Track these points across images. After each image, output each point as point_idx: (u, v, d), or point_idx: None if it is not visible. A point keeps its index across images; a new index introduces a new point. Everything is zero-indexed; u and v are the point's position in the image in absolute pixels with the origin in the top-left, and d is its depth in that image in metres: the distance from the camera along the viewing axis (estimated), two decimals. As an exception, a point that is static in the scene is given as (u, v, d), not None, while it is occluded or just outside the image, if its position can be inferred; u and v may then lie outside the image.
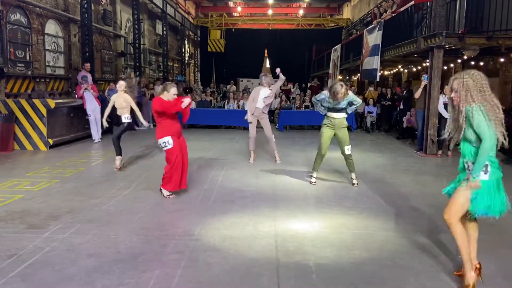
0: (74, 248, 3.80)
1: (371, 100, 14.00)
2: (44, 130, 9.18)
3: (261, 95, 7.76)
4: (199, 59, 30.68)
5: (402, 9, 11.47)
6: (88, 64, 11.59)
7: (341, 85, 5.90)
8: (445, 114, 8.80)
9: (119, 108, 7.04)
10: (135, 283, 3.18)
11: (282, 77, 8.01)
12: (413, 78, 15.26)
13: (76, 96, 10.71)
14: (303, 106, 14.94)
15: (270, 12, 29.91)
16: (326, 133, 6.19)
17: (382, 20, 12.31)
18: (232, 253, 3.76)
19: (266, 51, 27.91)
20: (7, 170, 7.17)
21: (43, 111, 9.15)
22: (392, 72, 18.19)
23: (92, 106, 10.31)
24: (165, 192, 5.49)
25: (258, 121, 7.95)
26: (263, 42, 27.41)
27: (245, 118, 8.02)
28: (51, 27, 12.32)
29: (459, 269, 3.36)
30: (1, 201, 5.21)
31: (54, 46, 12.50)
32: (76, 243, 3.93)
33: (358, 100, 6.17)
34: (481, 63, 11.44)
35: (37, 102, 9.17)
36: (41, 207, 5.00)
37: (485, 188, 2.98)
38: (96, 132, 10.40)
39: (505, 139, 2.98)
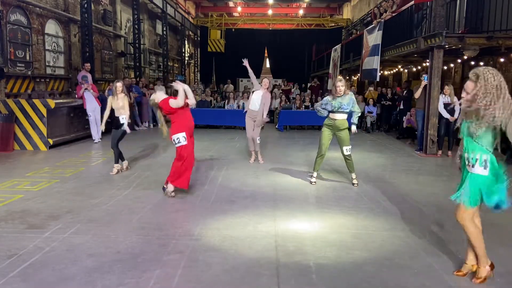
0: (74, 248, 3.80)
1: (371, 100, 13.99)
2: (44, 130, 9.18)
3: (255, 97, 7.88)
4: (199, 59, 30.62)
5: (402, 9, 11.46)
6: (88, 64, 11.59)
7: (340, 79, 6.08)
8: (445, 114, 8.80)
9: (116, 109, 7.03)
10: (135, 283, 3.19)
11: (249, 70, 8.08)
12: (413, 78, 15.25)
13: (76, 96, 10.72)
14: (303, 106, 14.94)
15: (270, 12, 29.85)
16: (326, 133, 6.23)
17: (382, 20, 12.29)
18: (232, 253, 3.76)
19: (266, 51, 27.87)
20: (7, 170, 7.17)
21: (43, 111, 9.16)
22: (392, 72, 18.17)
23: (92, 106, 10.32)
24: (170, 188, 5.47)
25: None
26: (263, 42, 27.32)
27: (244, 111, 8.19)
28: (51, 27, 12.30)
29: (459, 269, 3.38)
30: (1, 201, 5.22)
31: (54, 46, 12.48)
32: (76, 243, 3.93)
33: (358, 111, 6.23)
34: (481, 63, 11.42)
35: (37, 102, 9.18)
36: (41, 207, 5.00)
37: (486, 183, 3.03)
38: (96, 132, 10.40)
39: None
